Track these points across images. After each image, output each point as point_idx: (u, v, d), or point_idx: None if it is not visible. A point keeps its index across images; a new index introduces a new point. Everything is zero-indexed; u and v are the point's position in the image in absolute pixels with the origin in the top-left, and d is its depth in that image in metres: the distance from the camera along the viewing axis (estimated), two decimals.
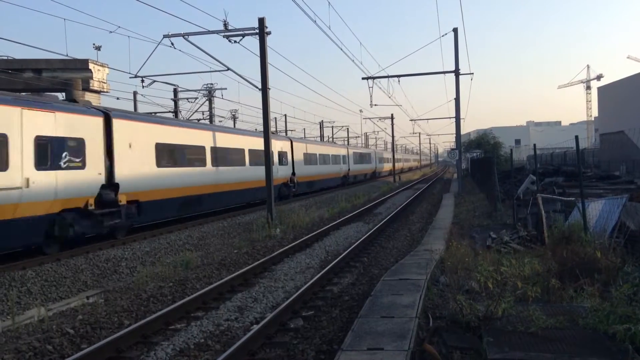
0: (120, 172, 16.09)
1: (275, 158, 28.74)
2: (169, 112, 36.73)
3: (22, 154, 12.70)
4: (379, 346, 5.94)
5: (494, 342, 5.97)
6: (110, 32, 19.86)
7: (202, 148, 21.13)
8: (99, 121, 15.54)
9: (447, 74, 34.07)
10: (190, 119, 35.89)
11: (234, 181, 23.41)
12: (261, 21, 20.04)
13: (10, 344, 7.56)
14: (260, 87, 20.59)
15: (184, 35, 20.81)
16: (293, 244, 15.42)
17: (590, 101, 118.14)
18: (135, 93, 37.21)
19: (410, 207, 27.77)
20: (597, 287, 7.63)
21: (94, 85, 35.20)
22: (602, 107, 55.46)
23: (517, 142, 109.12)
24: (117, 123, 16.19)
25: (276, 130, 56.27)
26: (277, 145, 29.36)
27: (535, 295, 7.34)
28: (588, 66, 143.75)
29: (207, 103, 39.75)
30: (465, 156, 54.45)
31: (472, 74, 37.48)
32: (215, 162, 22.00)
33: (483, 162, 31.23)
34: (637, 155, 38.39)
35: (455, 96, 34.36)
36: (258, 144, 25.58)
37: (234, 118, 49.91)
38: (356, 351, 5.85)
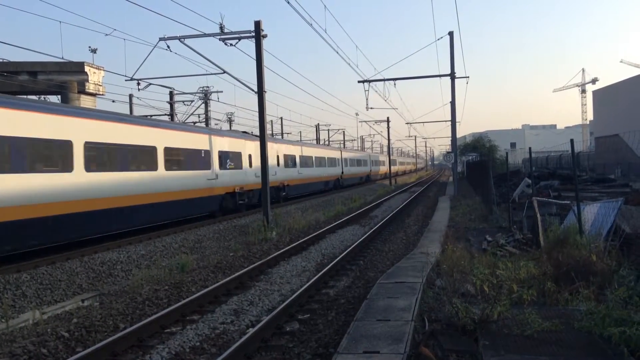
0: None
1: (334, 162, 45.52)
2: (165, 114, 36.68)
3: (213, 161, 22.37)
4: (375, 349, 5.93)
5: (490, 345, 5.97)
6: (106, 34, 19.83)
7: (293, 157, 34.05)
8: (244, 142, 25.99)
9: (442, 77, 34.18)
10: (187, 122, 35.80)
11: (313, 176, 38.42)
12: (257, 24, 20.03)
13: (4, 348, 7.52)
14: (256, 90, 20.58)
15: (180, 38, 20.79)
16: (289, 247, 15.40)
17: (585, 104, 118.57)
18: (131, 96, 37.17)
19: (406, 210, 27.79)
20: (593, 290, 7.64)
21: (90, 88, 35.16)
22: (598, 110, 55.73)
23: (513, 145, 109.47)
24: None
25: (272, 134, 56.44)
26: (332, 153, 45.92)
27: (530, 298, 7.36)
28: (583, 70, 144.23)
29: (203, 106, 39.70)
30: (461, 159, 54.53)
31: (468, 77, 37.78)
32: (305, 165, 36.21)
33: (479, 166, 31.28)
34: (632, 159, 38.56)
35: (451, 99, 34.46)
36: (322, 153, 42.08)
37: (230, 121, 49.88)
38: (352, 354, 5.84)
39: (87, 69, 34.81)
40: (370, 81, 33.17)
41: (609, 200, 12.27)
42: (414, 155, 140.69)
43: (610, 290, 7.27)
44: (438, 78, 34.45)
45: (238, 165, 24.93)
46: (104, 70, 36.71)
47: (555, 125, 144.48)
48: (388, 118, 62.69)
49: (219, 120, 60.11)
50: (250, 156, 26.38)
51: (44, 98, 33.49)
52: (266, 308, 9.60)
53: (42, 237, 13.63)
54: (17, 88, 31.48)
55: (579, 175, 26.20)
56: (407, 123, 66.23)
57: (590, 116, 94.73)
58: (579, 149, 66.14)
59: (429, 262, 10.72)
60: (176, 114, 36.73)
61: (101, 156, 15.68)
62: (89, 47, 44.45)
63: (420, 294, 8.34)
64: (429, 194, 41.10)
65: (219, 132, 24.23)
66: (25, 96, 26.80)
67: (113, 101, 41.61)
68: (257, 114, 20.88)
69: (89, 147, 15.14)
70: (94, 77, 35.55)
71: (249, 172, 26.12)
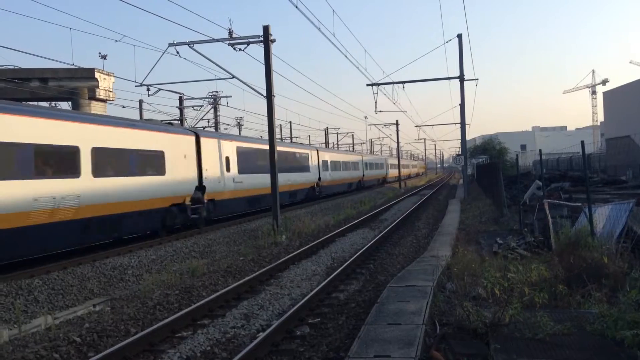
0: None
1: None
2: (175, 120, 36.85)
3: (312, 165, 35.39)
4: (385, 353, 5.92)
5: (502, 349, 5.94)
6: (116, 41, 20.01)
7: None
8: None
9: (452, 80, 34.11)
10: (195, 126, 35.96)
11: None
12: (266, 29, 20.10)
13: (17, 353, 7.58)
14: (265, 94, 20.64)
15: (189, 44, 20.90)
16: (299, 250, 15.41)
17: (596, 106, 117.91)
18: (141, 101, 37.33)
19: (416, 213, 27.72)
20: (605, 293, 7.58)
21: (100, 94, 35.45)
22: (608, 112, 55.33)
23: (523, 147, 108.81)
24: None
25: (281, 138, 56.54)
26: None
27: (542, 301, 7.31)
28: (593, 71, 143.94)
29: (212, 111, 39.87)
30: (470, 162, 54.31)
31: (477, 79, 37.62)
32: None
33: (489, 168, 31.17)
34: None
35: (460, 102, 34.38)
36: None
37: (239, 125, 50.03)
38: (363, 358, 5.84)
39: (97, 75, 35.09)
40: (379, 84, 33.15)
41: (620, 202, 12.17)
42: (422, 158, 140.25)
43: (622, 293, 7.21)
44: (447, 81, 34.42)
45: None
46: (114, 76, 37.02)
47: (565, 127, 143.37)
48: (397, 121, 62.58)
49: (228, 124, 60.41)
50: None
51: (55, 104, 33.77)
52: (276, 312, 9.61)
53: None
54: (28, 94, 31.77)
55: (590, 177, 26.01)
56: (417, 126, 66.00)
57: (600, 117, 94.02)
58: (590, 151, 65.60)
59: (439, 266, 10.69)
60: (186, 119, 36.90)
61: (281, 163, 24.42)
62: (99, 53, 44.91)
63: (431, 297, 8.32)
64: (438, 197, 40.98)
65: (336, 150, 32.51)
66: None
67: (123, 107, 41.82)
68: (266, 118, 20.94)
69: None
70: (105, 83, 35.83)
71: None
